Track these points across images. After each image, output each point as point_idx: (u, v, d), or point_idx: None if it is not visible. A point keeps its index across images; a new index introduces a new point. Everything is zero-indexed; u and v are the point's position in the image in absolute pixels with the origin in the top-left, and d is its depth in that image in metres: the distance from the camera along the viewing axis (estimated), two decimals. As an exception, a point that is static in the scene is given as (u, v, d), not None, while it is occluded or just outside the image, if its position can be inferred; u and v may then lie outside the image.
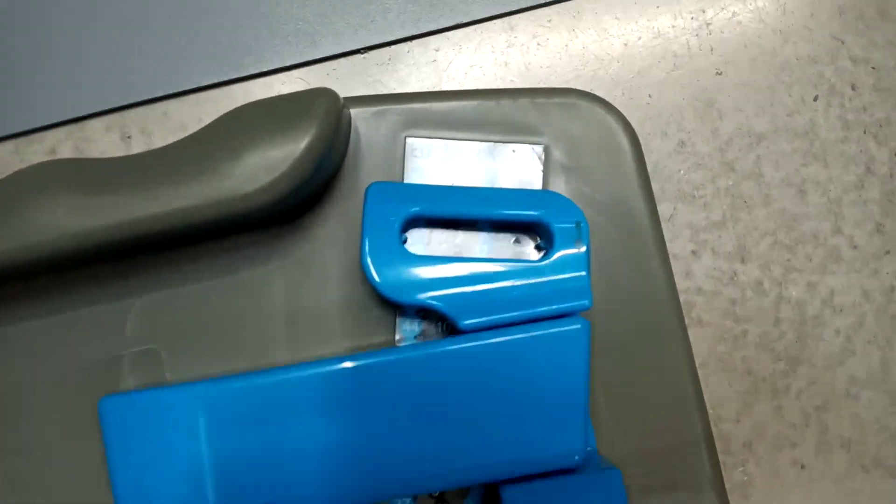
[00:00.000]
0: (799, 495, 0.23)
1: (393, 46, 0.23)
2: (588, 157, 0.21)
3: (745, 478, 0.23)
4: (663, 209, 0.23)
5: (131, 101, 0.22)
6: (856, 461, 0.23)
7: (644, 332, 0.21)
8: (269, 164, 0.17)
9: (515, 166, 0.21)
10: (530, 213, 0.20)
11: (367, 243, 0.19)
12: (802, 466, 0.23)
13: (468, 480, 0.18)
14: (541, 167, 0.21)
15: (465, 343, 0.18)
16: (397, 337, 0.21)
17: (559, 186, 0.21)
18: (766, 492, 0.23)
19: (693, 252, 0.23)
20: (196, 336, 0.21)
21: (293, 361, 0.21)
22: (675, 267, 0.23)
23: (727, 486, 0.22)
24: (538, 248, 0.21)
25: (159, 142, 0.23)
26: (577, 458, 0.18)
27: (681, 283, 0.23)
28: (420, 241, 0.21)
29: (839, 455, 0.23)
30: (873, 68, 0.24)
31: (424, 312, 0.21)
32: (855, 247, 0.23)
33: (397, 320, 0.21)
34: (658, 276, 0.21)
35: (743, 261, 0.23)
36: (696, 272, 0.23)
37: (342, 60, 0.23)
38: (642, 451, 0.21)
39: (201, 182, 0.17)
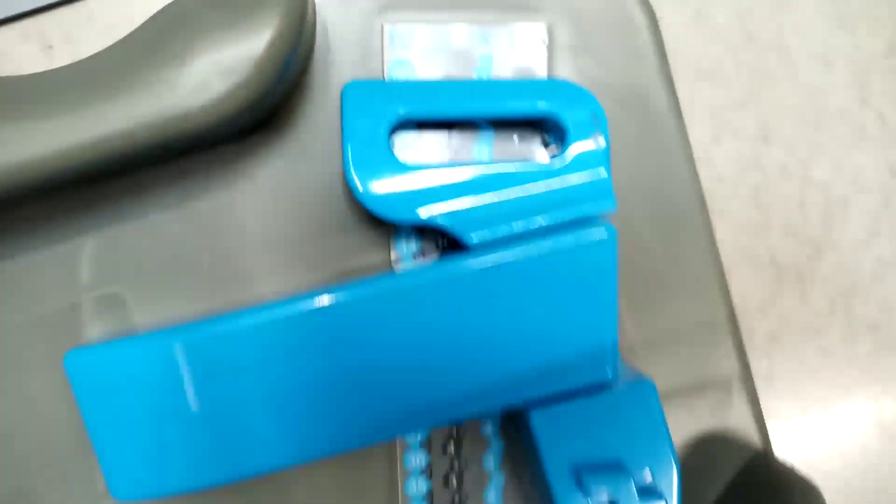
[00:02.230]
0: (824, 382, 0.22)
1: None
2: (598, 36, 0.19)
3: (770, 368, 0.22)
4: (680, 90, 0.20)
5: (48, 1, 0.19)
6: (882, 344, 0.22)
7: (665, 228, 0.19)
8: (223, 68, 0.14)
9: (515, 51, 0.18)
10: (538, 105, 0.17)
11: (349, 154, 0.17)
12: (828, 354, 0.22)
13: (489, 408, 0.16)
14: (545, 50, 0.18)
15: (475, 261, 0.16)
16: (393, 257, 0.19)
17: (566, 72, 0.18)
18: (791, 380, 0.22)
19: (713, 137, 0.21)
20: (163, 273, 0.18)
21: (278, 292, 0.19)
22: (695, 154, 0.20)
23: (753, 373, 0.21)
24: (546, 144, 0.18)
25: (87, 50, 0.19)
26: (607, 374, 0.16)
27: (701, 172, 0.20)
28: (409, 147, 0.18)
29: (865, 339, 0.22)
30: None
31: (422, 228, 0.18)
32: (883, 121, 0.21)
33: (392, 239, 0.19)
34: (680, 166, 0.19)
35: (766, 142, 0.21)
36: (716, 158, 0.21)
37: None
38: (666, 350, 0.20)
39: (141, 97, 0.14)
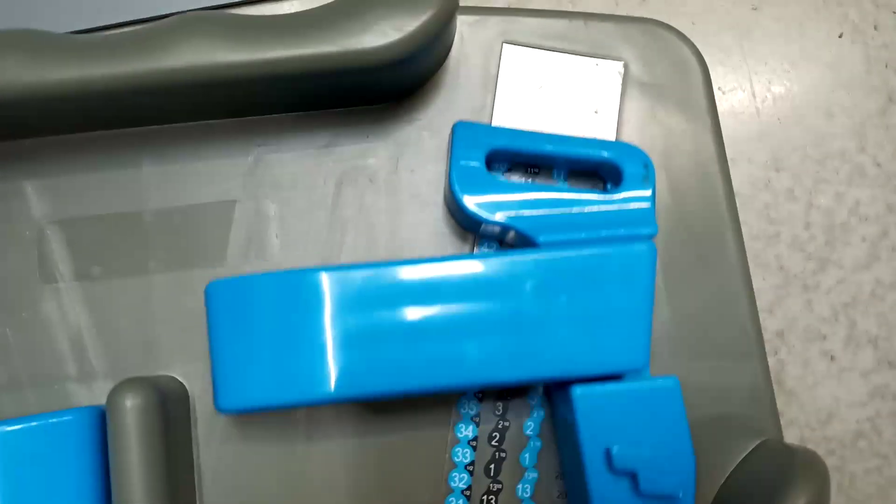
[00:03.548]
0: (829, 385, 0.25)
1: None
2: (663, 79, 0.24)
3: (779, 365, 0.25)
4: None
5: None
6: (882, 357, 0.25)
7: (704, 243, 0.23)
8: (396, 25, 0.20)
9: (598, 80, 0.24)
10: (603, 153, 0.22)
11: (453, 167, 0.22)
12: (832, 358, 0.25)
13: (540, 374, 0.20)
14: (620, 82, 0.24)
15: (545, 253, 0.20)
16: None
17: (633, 102, 0.23)
18: (799, 379, 0.25)
19: (732, 160, 0.25)
20: (298, 192, 0.23)
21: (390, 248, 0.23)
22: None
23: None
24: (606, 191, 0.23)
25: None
26: (639, 362, 0.20)
27: (720, 187, 0.25)
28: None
29: (866, 350, 0.25)
30: (894, 12, 0.27)
31: (501, 236, 0.23)
32: (878, 165, 0.26)
33: (476, 243, 0.23)
34: (719, 192, 0.23)
35: (777, 170, 0.26)
36: (734, 177, 0.25)
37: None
38: (693, 337, 0.23)
39: (331, 33, 0.20)
